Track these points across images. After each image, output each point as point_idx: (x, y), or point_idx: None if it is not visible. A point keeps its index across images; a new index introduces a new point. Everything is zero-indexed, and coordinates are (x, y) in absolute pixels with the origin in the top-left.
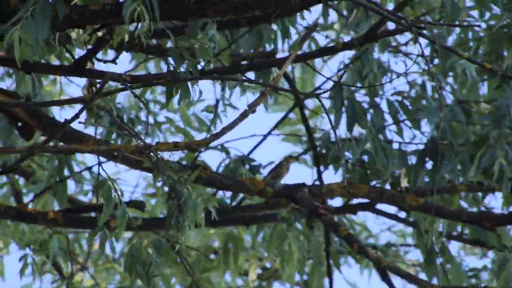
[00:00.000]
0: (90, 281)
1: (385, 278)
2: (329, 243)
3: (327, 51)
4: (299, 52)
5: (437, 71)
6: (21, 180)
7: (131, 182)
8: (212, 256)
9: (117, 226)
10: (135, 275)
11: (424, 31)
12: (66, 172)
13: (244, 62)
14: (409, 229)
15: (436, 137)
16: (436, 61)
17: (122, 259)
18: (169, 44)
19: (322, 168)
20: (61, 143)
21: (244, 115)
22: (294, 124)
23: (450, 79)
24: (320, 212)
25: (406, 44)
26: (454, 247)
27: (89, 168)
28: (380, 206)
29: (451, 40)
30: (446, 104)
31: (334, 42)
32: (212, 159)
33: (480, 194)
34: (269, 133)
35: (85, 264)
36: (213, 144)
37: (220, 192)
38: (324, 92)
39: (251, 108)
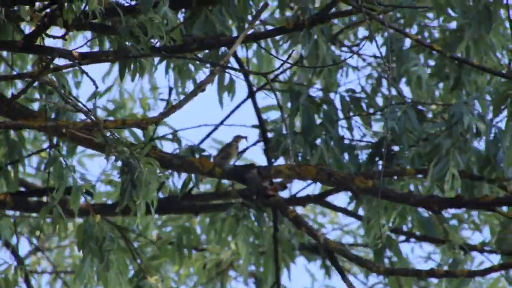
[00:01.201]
0: (48, 263)
1: (332, 261)
2: (277, 229)
3: (278, 31)
4: (249, 32)
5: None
6: None
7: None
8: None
9: (71, 202)
10: (88, 251)
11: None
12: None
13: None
14: (361, 231)
15: (387, 137)
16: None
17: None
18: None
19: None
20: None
21: (193, 93)
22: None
23: (403, 85)
24: (268, 193)
25: (362, 39)
26: (403, 249)
27: (41, 150)
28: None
29: (406, 42)
30: (400, 102)
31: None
32: (163, 149)
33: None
34: (221, 123)
35: (40, 246)
36: (164, 134)
37: (170, 183)
38: (273, 71)
39: (201, 86)
